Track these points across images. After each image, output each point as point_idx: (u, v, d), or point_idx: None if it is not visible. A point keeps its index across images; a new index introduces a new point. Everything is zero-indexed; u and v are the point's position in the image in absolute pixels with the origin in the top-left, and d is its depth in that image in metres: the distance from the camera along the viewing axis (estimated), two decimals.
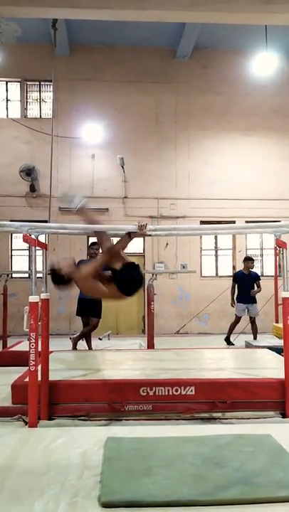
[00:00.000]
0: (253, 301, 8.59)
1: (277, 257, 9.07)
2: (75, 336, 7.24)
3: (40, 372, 3.92)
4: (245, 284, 8.58)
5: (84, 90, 11.46)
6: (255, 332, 8.56)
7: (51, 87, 11.22)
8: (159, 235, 5.50)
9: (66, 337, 7.89)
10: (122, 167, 11.30)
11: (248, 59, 11.13)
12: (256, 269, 9.47)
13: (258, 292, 8.56)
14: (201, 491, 2.42)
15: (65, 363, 5.17)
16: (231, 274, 11.56)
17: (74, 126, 11.40)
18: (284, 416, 4.05)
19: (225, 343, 8.57)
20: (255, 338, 8.44)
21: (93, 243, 7.38)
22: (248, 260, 8.86)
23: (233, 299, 8.61)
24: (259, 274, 9.19)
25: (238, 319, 8.66)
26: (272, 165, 11.78)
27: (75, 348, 6.95)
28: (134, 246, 11.65)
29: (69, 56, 11.38)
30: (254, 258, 9.45)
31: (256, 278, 8.69)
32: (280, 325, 5.84)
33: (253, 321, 8.60)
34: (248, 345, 7.51)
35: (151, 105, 11.70)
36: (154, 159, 11.66)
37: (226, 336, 8.69)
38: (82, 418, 4.02)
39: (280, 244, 4.23)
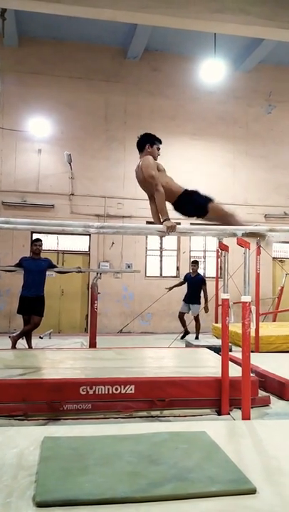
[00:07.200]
0: (195, 301, 9.02)
1: (219, 260, 9.45)
2: (14, 334, 7.07)
3: None
4: (189, 285, 9.22)
5: (32, 83, 11.20)
6: (197, 330, 8.98)
7: None
8: (106, 233, 5.50)
9: (5, 335, 7.69)
10: (70, 164, 11.16)
11: (196, 65, 11.36)
12: (199, 270, 9.79)
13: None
14: (136, 488, 2.45)
15: (3, 362, 5.05)
16: (175, 274, 11.85)
17: (21, 119, 11.11)
18: (219, 413, 4.20)
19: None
20: (196, 337, 8.80)
21: (36, 239, 7.24)
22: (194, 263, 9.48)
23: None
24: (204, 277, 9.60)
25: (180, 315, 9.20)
26: (217, 170, 12.11)
27: (14, 346, 6.79)
28: (80, 244, 11.56)
29: (17, 47, 11.08)
30: (198, 260, 10.01)
31: (202, 281, 9.17)
32: (220, 325, 6.03)
33: (195, 319, 9.01)
34: (188, 345, 7.70)
35: (100, 103, 11.65)
36: (103, 158, 11.62)
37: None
38: (19, 418, 3.94)
39: (222, 247, 4.41)
